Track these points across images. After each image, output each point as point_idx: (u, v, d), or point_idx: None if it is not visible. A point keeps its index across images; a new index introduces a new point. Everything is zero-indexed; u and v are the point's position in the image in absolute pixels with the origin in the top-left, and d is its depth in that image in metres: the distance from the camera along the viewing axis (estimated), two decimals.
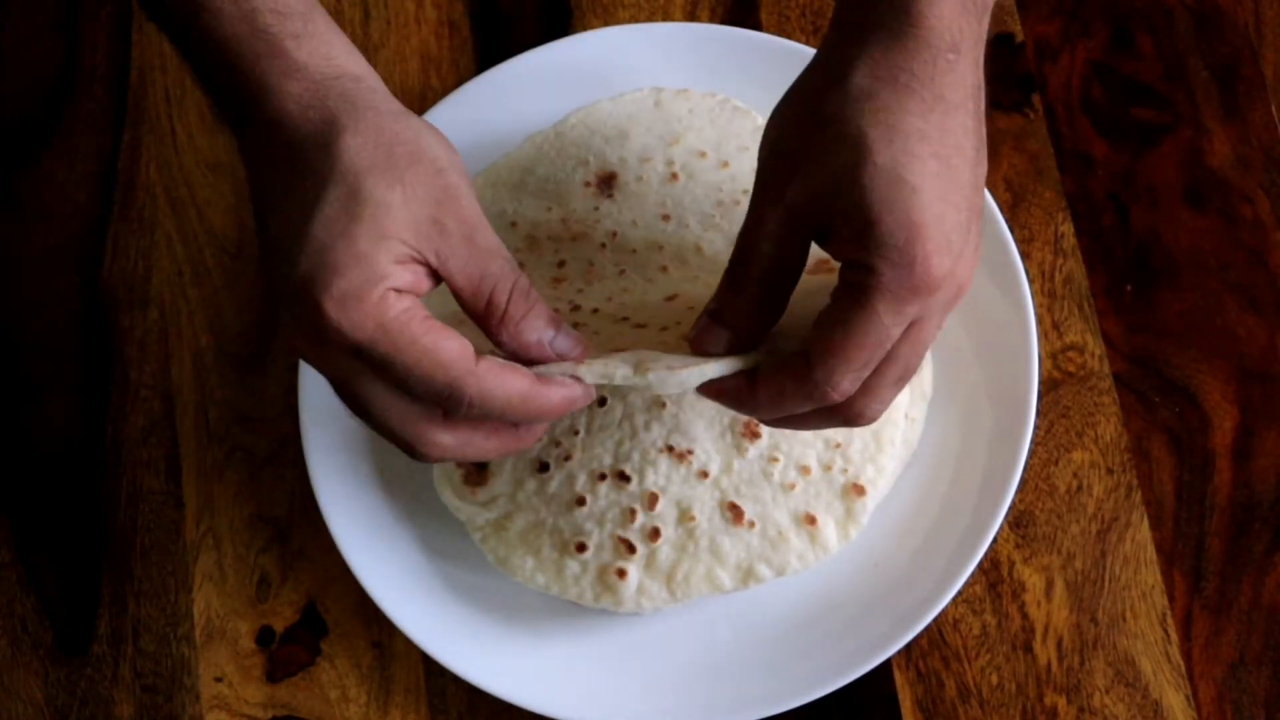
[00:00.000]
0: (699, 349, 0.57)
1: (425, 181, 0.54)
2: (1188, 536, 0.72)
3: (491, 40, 0.82)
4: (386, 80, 0.80)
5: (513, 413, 0.55)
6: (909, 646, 0.71)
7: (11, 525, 0.76)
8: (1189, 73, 0.78)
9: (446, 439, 0.56)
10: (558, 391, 0.56)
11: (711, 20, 0.81)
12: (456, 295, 0.55)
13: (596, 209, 0.70)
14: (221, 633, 0.74)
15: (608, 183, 0.70)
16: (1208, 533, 0.72)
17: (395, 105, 0.57)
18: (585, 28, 0.81)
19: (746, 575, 0.66)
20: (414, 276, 0.54)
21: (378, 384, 0.54)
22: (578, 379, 0.56)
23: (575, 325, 0.63)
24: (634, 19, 0.81)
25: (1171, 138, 0.78)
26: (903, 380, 0.56)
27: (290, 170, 0.55)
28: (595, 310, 0.66)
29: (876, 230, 0.51)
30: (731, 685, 0.69)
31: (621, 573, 0.66)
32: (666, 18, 0.81)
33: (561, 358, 0.56)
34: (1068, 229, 0.77)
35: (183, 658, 0.74)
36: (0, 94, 0.82)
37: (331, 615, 0.74)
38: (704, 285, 0.66)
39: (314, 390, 0.72)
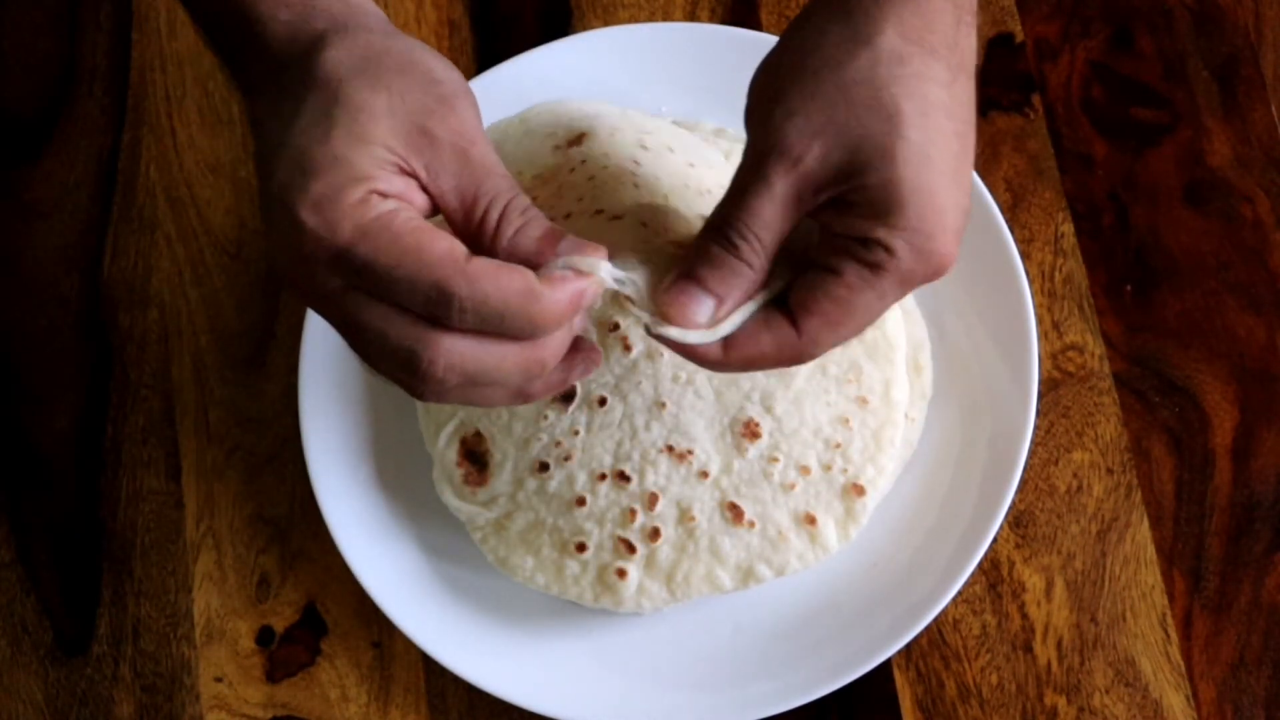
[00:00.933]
0: (682, 320, 0.52)
1: (415, 89, 0.49)
2: (1188, 536, 0.72)
3: (491, 40, 0.82)
4: None
5: (514, 318, 0.48)
6: (909, 646, 0.71)
7: (11, 525, 0.76)
8: (1189, 73, 0.78)
9: (448, 357, 0.48)
10: (564, 287, 0.49)
11: (711, 20, 0.81)
12: (448, 217, 0.50)
13: (568, 155, 0.67)
14: (221, 633, 0.74)
15: (578, 141, 0.67)
16: (1208, 533, 0.72)
17: (389, 26, 0.53)
18: (585, 28, 0.81)
19: (746, 575, 0.66)
20: (404, 185, 0.49)
21: (366, 301, 0.48)
22: (582, 273, 0.49)
23: None
24: (634, 19, 0.81)
25: (1171, 138, 0.78)
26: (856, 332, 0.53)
27: (277, 92, 0.50)
28: (568, 215, 0.61)
29: (905, 213, 0.49)
30: (731, 685, 0.69)
31: (621, 573, 0.66)
32: (666, 18, 0.81)
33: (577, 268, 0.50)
34: (1068, 229, 0.77)
35: (183, 658, 0.74)
36: (0, 94, 0.82)
37: (331, 615, 0.74)
38: (674, 200, 0.62)
39: (314, 390, 0.72)
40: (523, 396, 0.52)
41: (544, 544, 0.68)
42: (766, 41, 0.76)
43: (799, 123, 0.49)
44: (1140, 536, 0.72)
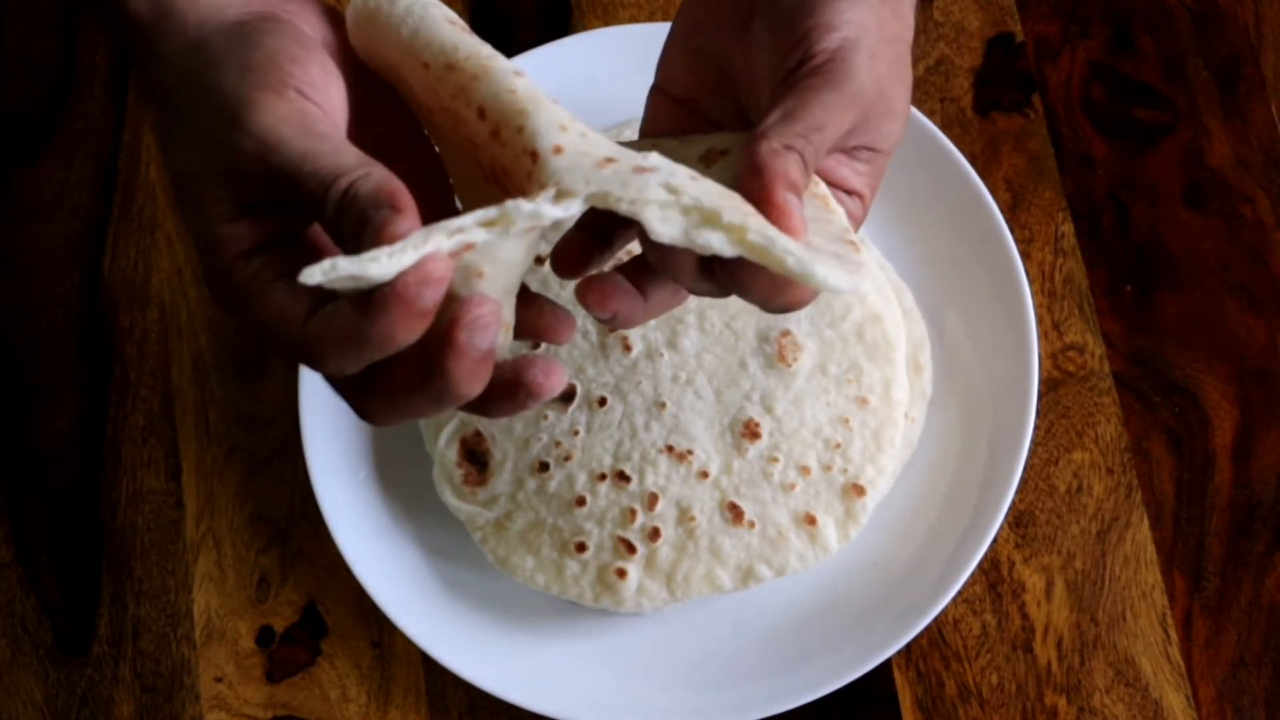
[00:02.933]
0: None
1: (211, 127, 0.46)
2: (1188, 536, 0.72)
3: (491, 40, 0.80)
4: None
5: (362, 353, 0.44)
6: (909, 646, 0.71)
7: (12, 525, 0.76)
8: (1189, 73, 0.78)
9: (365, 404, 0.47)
10: (389, 306, 0.42)
11: None
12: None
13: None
14: (221, 633, 0.74)
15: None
16: (1208, 533, 0.72)
17: (194, 39, 0.48)
18: (585, 28, 0.81)
19: (746, 575, 0.66)
20: (250, 229, 0.46)
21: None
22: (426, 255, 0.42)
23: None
24: (634, 19, 0.81)
25: (1171, 138, 0.78)
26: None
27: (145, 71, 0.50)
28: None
29: (879, 165, 0.51)
30: (731, 685, 0.69)
31: (621, 573, 0.66)
32: (666, 18, 0.81)
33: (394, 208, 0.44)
34: (1068, 229, 0.77)
35: (183, 658, 0.74)
36: (0, 93, 0.82)
37: (331, 615, 0.74)
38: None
39: (314, 390, 0.72)
40: (447, 400, 0.45)
41: (544, 544, 0.68)
42: None
43: (869, 66, 0.49)
44: (1140, 536, 0.72)
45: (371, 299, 0.42)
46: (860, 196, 0.52)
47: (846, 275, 0.43)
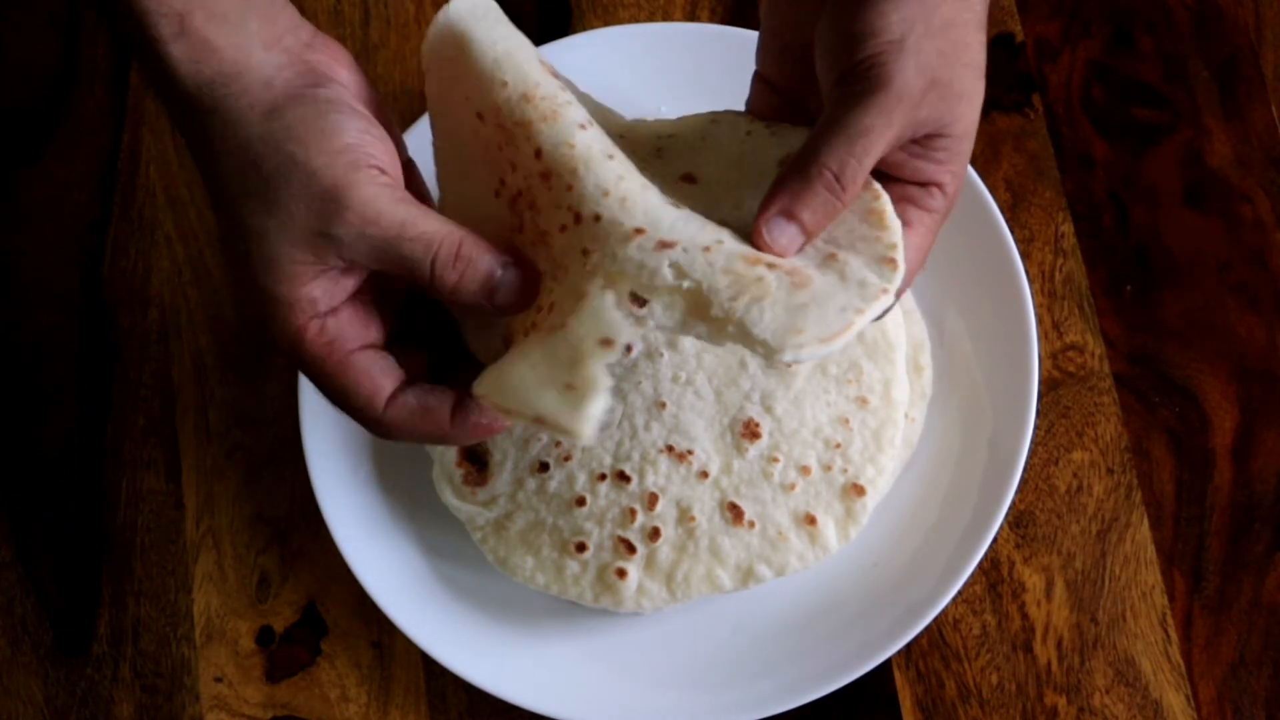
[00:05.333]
0: (775, 247, 0.53)
1: (299, 195, 0.52)
2: (1188, 536, 0.72)
3: None
4: (386, 80, 0.81)
5: (430, 442, 0.57)
6: (909, 646, 0.71)
7: (11, 525, 0.76)
8: (1189, 73, 0.78)
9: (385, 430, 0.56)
10: (469, 431, 0.56)
11: (711, 20, 0.81)
12: (386, 274, 0.55)
13: (561, 88, 0.58)
14: (221, 633, 0.74)
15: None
16: (1208, 533, 0.72)
17: (267, 102, 0.53)
18: (585, 28, 0.81)
19: (746, 575, 0.66)
20: (326, 287, 0.53)
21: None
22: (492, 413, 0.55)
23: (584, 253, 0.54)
24: (634, 19, 0.81)
25: (1171, 138, 0.78)
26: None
27: (201, 173, 0.55)
28: (597, 217, 0.54)
29: (963, 155, 0.54)
30: (731, 685, 0.69)
31: (621, 573, 0.66)
32: (666, 18, 0.81)
33: (499, 310, 0.55)
34: (1068, 229, 0.77)
35: (183, 658, 0.74)
36: (0, 93, 0.82)
37: (331, 615, 0.74)
38: (714, 167, 0.59)
39: (314, 391, 0.71)
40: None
41: (544, 544, 0.68)
42: None
43: (917, 72, 0.51)
44: (1140, 536, 0.72)
45: (465, 419, 0.55)
46: (939, 186, 0.55)
47: (823, 343, 0.50)
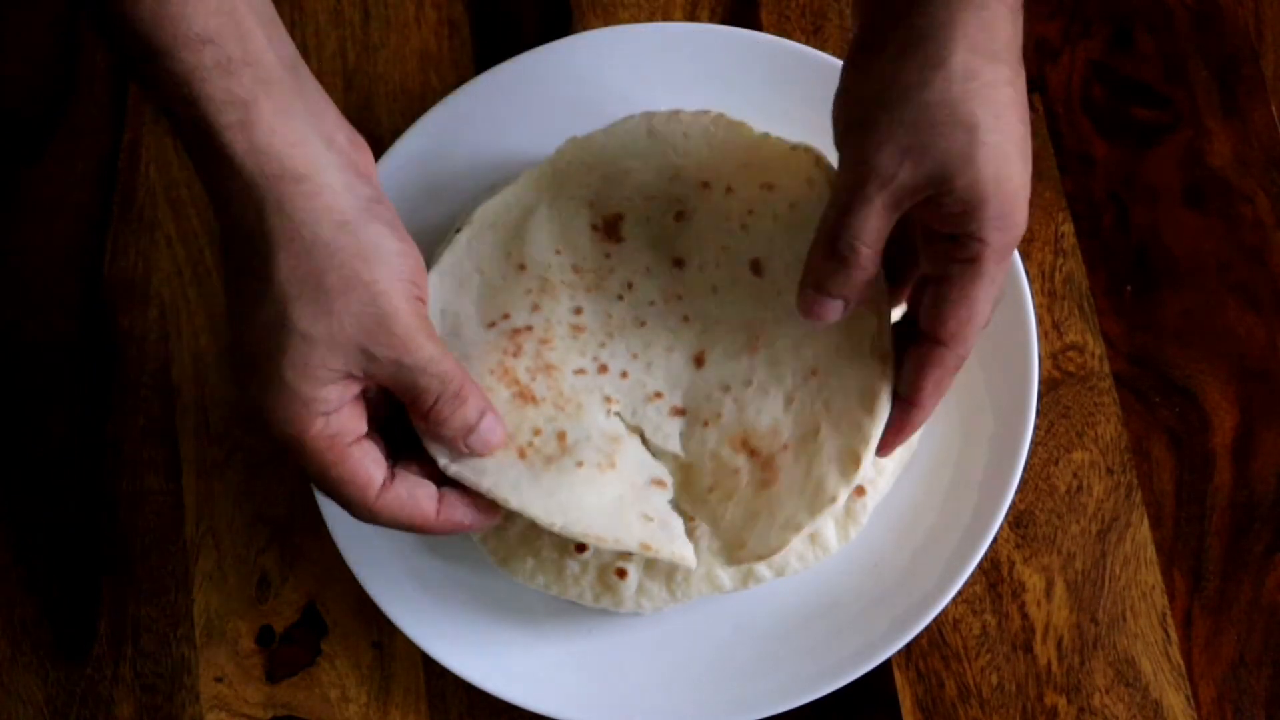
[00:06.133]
0: (820, 317, 0.60)
1: (355, 311, 0.56)
2: (1188, 536, 0.72)
3: (491, 40, 0.82)
4: (386, 80, 0.81)
5: (408, 530, 0.61)
6: (909, 646, 0.71)
7: (12, 527, 0.76)
8: (1189, 73, 0.78)
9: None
10: (451, 523, 0.62)
11: (711, 20, 0.81)
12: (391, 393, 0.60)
13: (607, 256, 0.68)
14: (221, 633, 0.74)
15: (614, 225, 0.69)
16: (1208, 533, 0.72)
17: (340, 212, 0.57)
18: (585, 28, 0.81)
19: (746, 576, 0.66)
20: (342, 390, 0.57)
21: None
22: (482, 508, 0.62)
23: (608, 400, 0.65)
24: (634, 19, 0.81)
25: (1171, 138, 0.78)
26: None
27: (234, 262, 0.57)
28: (624, 374, 0.66)
29: (988, 205, 0.55)
30: (731, 685, 0.69)
31: (621, 573, 0.66)
32: (666, 18, 0.81)
33: (475, 452, 0.62)
34: (1068, 229, 0.77)
35: (183, 658, 0.74)
36: (0, 93, 0.82)
37: (331, 615, 0.74)
38: (725, 331, 0.66)
39: None
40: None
41: (544, 544, 0.68)
42: (766, 41, 0.76)
43: (890, 149, 0.55)
44: (1140, 536, 0.72)
45: (449, 514, 0.61)
46: (968, 237, 0.57)
47: (758, 559, 0.63)
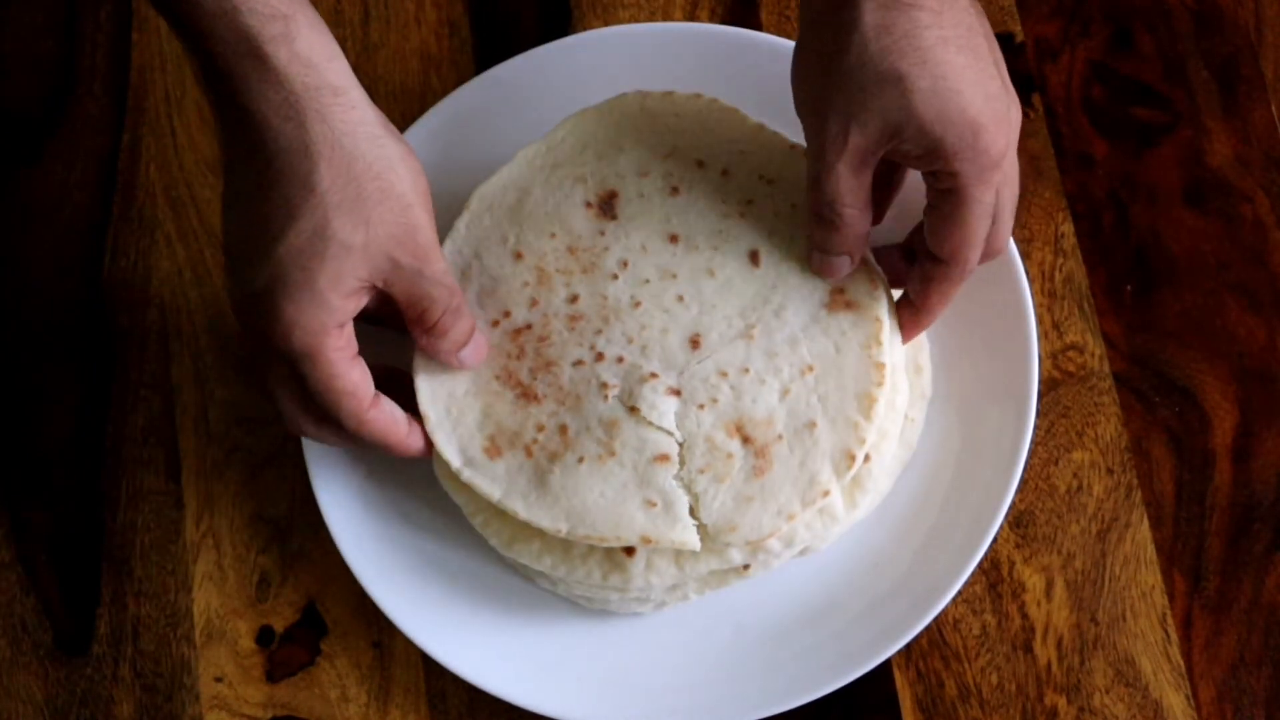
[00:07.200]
0: (832, 274, 0.65)
1: (389, 220, 0.59)
2: (1188, 536, 0.72)
3: (491, 40, 0.82)
4: (386, 80, 0.81)
5: (378, 448, 0.65)
6: (909, 646, 0.71)
7: (11, 525, 0.76)
8: (1189, 73, 0.78)
9: (323, 438, 0.65)
10: (415, 447, 0.65)
11: (711, 20, 0.81)
12: (398, 307, 0.62)
13: (602, 234, 0.68)
14: (221, 633, 0.74)
15: (609, 203, 0.69)
16: (1208, 533, 0.72)
17: (373, 126, 0.60)
18: (585, 28, 0.81)
19: (754, 548, 0.65)
20: (358, 301, 0.60)
21: (289, 384, 0.62)
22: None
23: (604, 387, 0.65)
24: (634, 19, 0.81)
25: (1171, 138, 0.78)
26: (1013, 211, 0.63)
27: (266, 178, 0.58)
28: (620, 359, 0.66)
29: (944, 144, 0.57)
30: (731, 685, 0.69)
31: (629, 550, 0.66)
32: (666, 18, 0.81)
33: (464, 365, 0.65)
34: (1068, 229, 0.77)
35: (183, 658, 0.74)
36: (0, 94, 0.82)
37: (331, 615, 0.74)
38: (721, 317, 0.66)
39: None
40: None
41: None
42: (766, 41, 0.76)
43: (835, 119, 0.59)
44: (1140, 536, 0.72)
45: (415, 434, 0.65)
46: (940, 171, 0.60)
47: (749, 544, 0.65)
